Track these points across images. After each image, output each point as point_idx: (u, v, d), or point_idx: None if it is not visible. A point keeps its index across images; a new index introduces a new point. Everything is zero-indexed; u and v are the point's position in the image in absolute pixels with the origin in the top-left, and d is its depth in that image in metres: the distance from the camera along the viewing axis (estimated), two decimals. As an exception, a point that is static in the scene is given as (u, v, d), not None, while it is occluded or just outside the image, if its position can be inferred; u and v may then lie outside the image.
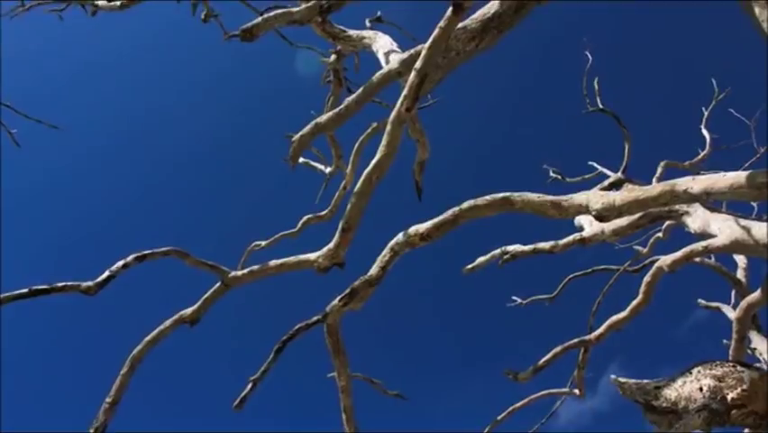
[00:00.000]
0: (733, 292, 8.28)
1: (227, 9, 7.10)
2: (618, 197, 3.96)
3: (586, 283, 8.37)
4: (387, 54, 5.78)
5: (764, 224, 4.89)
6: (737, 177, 3.32)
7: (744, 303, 5.77)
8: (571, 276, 8.76)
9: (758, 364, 3.67)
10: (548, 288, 8.78)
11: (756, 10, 3.43)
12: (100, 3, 6.26)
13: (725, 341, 7.76)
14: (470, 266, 7.85)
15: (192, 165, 19.73)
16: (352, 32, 6.34)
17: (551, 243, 7.17)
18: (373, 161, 4.19)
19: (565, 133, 16.34)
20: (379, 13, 7.16)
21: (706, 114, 8.47)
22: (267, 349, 3.95)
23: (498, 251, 7.56)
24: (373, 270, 4.35)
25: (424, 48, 4.03)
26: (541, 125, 17.82)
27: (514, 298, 9.59)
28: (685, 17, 15.97)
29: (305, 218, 7.51)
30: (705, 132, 8.28)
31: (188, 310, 4.07)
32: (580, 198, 4.23)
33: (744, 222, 5.02)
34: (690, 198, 3.59)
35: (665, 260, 5.81)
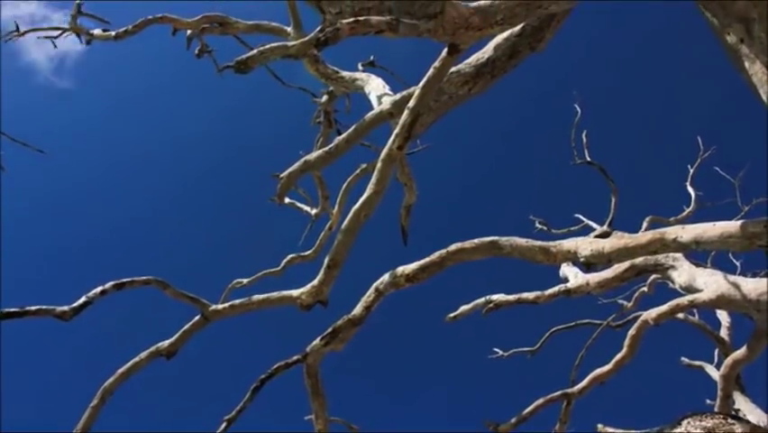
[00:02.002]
0: (716, 351, 8.24)
1: (220, 46, 7.15)
2: (608, 244, 3.94)
3: (569, 336, 8.29)
4: (379, 97, 5.80)
5: (750, 279, 4.88)
6: (728, 226, 3.32)
7: (729, 360, 5.71)
8: (554, 329, 8.68)
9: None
10: (531, 338, 8.68)
11: (746, 64, 3.49)
12: (95, 32, 6.28)
13: (708, 400, 7.68)
14: (453, 314, 7.75)
15: (177, 201, 19.57)
16: (345, 74, 6.39)
17: (535, 293, 7.11)
18: (362, 198, 4.15)
19: (553, 184, 16.47)
20: (372, 58, 7.21)
21: (691, 171, 8.58)
22: (245, 386, 3.81)
23: (481, 300, 7.47)
24: (357, 309, 4.26)
25: (417, 88, 4.05)
26: (529, 175, 17.97)
27: (495, 349, 9.46)
28: (675, 74, 16.36)
29: (288, 257, 7.42)
30: (690, 189, 8.38)
31: (165, 343, 3.94)
32: (568, 244, 4.20)
33: (730, 277, 5.01)
34: (680, 246, 3.57)
35: (650, 313, 5.75)
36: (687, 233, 3.49)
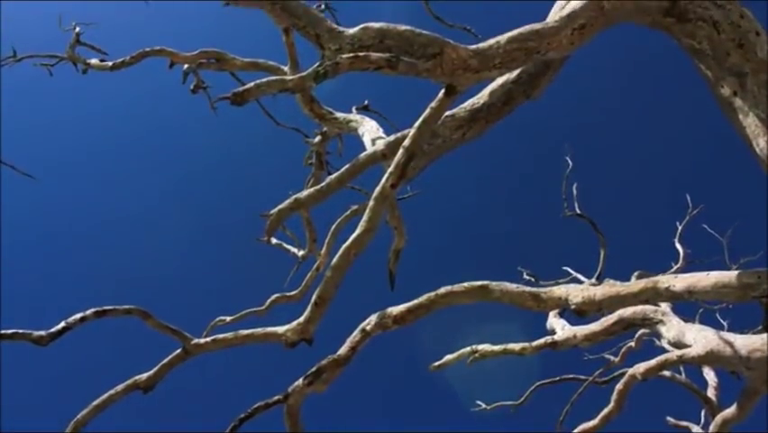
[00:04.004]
0: (703, 411, 8.12)
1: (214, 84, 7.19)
2: (599, 291, 3.90)
3: (554, 390, 8.17)
4: (373, 140, 5.81)
5: (740, 336, 4.83)
6: (722, 276, 3.29)
7: (719, 418, 5.61)
8: (539, 383, 8.57)
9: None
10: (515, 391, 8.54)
11: (740, 116, 3.53)
12: (92, 62, 6.30)
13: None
14: (437, 364, 7.62)
15: (160, 237, 19.38)
16: (339, 115, 6.41)
17: (521, 344, 7.03)
18: (353, 236, 4.10)
19: (542, 235, 16.50)
20: (366, 102, 7.27)
21: (680, 228, 8.65)
22: (223, 425, 3.68)
23: (467, 349, 7.36)
24: (342, 349, 4.17)
25: (413, 128, 4.05)
26: (518, 226, 18.00)
27: (478, 402, 9.30)
28: (666, 128, 16.63)
29: (273, 297, 7.31)
30: (678, 246, 8.42)
31: (144, 376, 3.81)
32: (559, 291, 4.17)
33: (720, 333, 4.96)
34: (673, 295, 3.54)
35: (638, 368, 5.66)
36: (680, 282, 3.47)
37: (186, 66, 6.34)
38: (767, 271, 3.10)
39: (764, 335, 4.65)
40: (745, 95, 3.41)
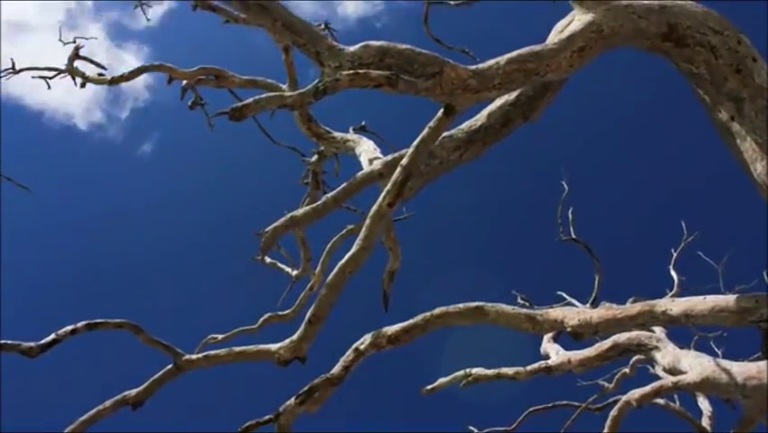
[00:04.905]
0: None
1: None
2: (595, 314, 3.88)
3: (547, 416, 8.09)
4: (371, 160, 5.82)
5: (737, 363, 4.79)
6: (719, 300, 3.28)
7: (713, 447, 5.56)
8: (531, 409, 8.49)
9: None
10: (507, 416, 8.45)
11: (737, 141, 3.54)
12: (91, 76, 6.31)
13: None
14: (430, 387, 7.55)
15: (154, 256, 19.27)
16: (337, 134, 6.42)
17: (515, 369, 6.98)
18: (349, 254, 4.07)
19: (537, 259, 16.46)
20: (363, 123, 7.28)
21: (675, 255, 8.65)
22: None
23: (460, 372, 7.30)
24: (336, 369, 4.12)
25: (411, 147, 4.05)
26: (513, 249, 17.94)
27: (470, 428, 9.20)
28: (663, 154, 16.70)
29: (266, 316, 7.26)
30: (673, 273, 8.40)
31: (133, 391, 3.75)
32: (555, 313, 4.15)
33: (716, 360, 4.93)
34: (669, 319, 3.52)
35: (633, 394, 5.61)
36: (677, 306, 3.46)
37: (184, 82, 6.36)
38: (765, 295, 3.09)
39: (761, 362, 4.62)
40: (743, 119, 3.43)
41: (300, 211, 5.31)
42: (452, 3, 6.78)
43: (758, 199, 3.50)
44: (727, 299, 3.20)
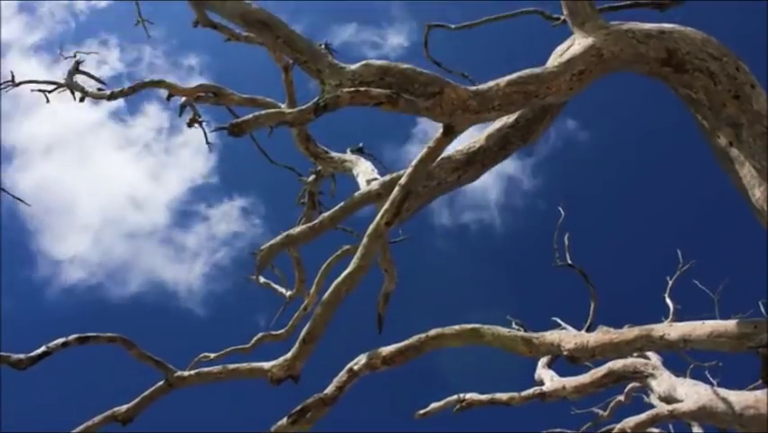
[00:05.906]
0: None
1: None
2: (592, 338, 3.85)
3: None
4: (368, 181, 5.81)
5: (733, 391, 4.77)
6: (717, 325, 3.25)
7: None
8: (525, 437, 8.41)
9: None
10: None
11: (736, 167, 3.54)
12: (90, 90, 6.30)
13: None
14: (422, 411, 7.48)
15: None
16: (335, 154, 6.43)
17: (509, 394, 6.93)
18: (345, 273, 4.05)
19: (532, 285, 16.39)
20: (360, 144, 7.30)
21: (670, 283, 8.62)
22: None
23: (453, 397, 7.24)
24: (329, 389, 4.07)
25: (409, 166, 4.04)
26: (508, 274, 17.86)
27: (463, 454, 9.09)
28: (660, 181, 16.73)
29: (259, 335, 7.18)
30: (669, 301, 8.37)
31: (123, 407, 3.68)
32: (552, 336, 4.11)
33: (713, 388, 4.90)
34: (667, 344, 3.49)
35: (628, 422, 5.56)
36: (675, 330, 3.42)
37: (183, 99, 6.36)
38: (764, 321, 3.07)
39: (758, 391, 4.60)
40: (741, 145, 3.43)
41: (296, 229, 5.29)
42: (452, 27, 6.84)
43: (757, 226, 3.50)
44: (726, 324, 3.17)
